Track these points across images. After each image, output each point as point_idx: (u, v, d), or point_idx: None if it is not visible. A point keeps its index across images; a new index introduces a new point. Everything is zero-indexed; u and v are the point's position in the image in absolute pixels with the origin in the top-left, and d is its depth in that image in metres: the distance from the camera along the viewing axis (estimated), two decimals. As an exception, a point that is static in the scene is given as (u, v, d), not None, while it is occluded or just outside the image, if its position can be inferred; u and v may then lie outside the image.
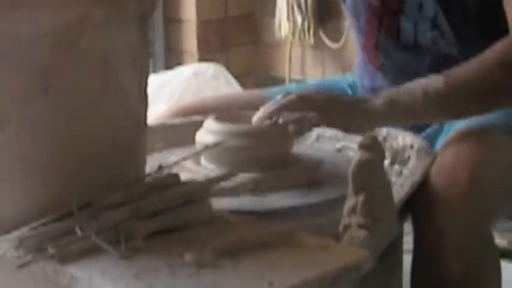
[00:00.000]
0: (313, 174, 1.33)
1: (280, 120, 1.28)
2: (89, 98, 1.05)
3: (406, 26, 1.51)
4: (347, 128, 1.39)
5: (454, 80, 1.33)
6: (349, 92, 1.65)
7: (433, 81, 1.33)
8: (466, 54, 1.37)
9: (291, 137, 1.33)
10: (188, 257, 0.97)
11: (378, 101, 1.34)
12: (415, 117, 1.36)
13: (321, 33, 2.88)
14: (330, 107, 1.34)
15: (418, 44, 1.50)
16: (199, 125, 1.36)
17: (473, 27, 1.46)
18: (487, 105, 1.34)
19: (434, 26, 1.48)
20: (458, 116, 1.36)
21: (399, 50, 1.52)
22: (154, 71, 2.84)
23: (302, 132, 1.35)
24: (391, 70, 1.54)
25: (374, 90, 1.53)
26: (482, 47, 1.34)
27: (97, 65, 1.05)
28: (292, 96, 1.33)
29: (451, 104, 1.34)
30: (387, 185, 1.14)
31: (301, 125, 1.32)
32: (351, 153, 1.38)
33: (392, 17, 1.52)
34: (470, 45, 1.41)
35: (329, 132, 1.47)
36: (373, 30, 1.55)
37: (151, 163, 1.19)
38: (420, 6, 1.48)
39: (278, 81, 2.69)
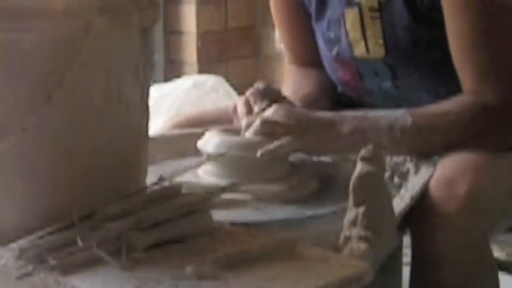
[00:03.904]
0: (313, 186, 1.33)
1: (259, 153, 1.28)
2: (91, 108, 1.05)
3: (372, 87, 1.54)
4: (316, 153, 1.41)
5: (421, 121, 1.35)
6: None
7: (401, 119, 1.34)
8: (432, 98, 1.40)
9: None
10: (189, 269, 0.96)
11: (345, 127, 1.35)
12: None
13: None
14: (303, 133, 1.34)
15: (389, 96, 1.51)
16: (199, 136, 1.35)
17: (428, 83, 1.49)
18: (449, 147, 1.34)
19: (396, 86, 1.50)
20: (419, 153, 1.36)
21: (378, 98, 1.54)
22: (154, 82, 2.84)
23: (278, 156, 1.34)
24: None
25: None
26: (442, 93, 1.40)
27: (99, 75, 1.04)
28: (263, 121, 1.33)
29: (415, 142, 1.35)
30: (387, 197, 1.13)
31: (279, 150, 1.31)
32: (349, 165, 1.37)
33: (358, 82, 1.55)
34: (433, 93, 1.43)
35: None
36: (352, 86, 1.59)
37: (153, 174, 1.18)
38: (376, 73, 1.50)
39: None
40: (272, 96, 1.40)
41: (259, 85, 1.42)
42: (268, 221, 1.19)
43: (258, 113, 1.36)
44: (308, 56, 1.63)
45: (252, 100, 1.39)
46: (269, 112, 1.35)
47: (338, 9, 1.50)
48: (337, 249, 1.06)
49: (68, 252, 0.99)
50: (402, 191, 1.28)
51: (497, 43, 1.36)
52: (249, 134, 1.34)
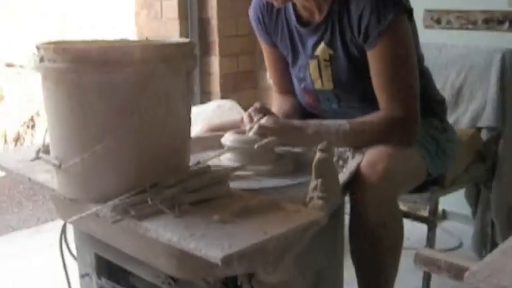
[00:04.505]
0: (291, 167, 1.32)
1: (256, 146, 1.27)
2: (156, 119, 1.04)
3: (326, 107, 1.52)
4: (291, 146, 1.40)
5: (355, 127, 1.34)
6: None
7: (343, 125, 1.34)
8: (362, 113, 1.38)
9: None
10: (216, 217, 0.96)
11: (309, 130, 1.34)
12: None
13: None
14: (283, 133, 1.33)
15: (336, 112, 1.50)
16: (221, 136, 1.35)
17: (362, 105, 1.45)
18: (374, 143, 1.32)
19: (340, 106, 1.49)
20: (354, 146, 1.34)
21: (330, 114, 1.51)
22: (194, 104, 2.82)
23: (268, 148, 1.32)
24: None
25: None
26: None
27: (161, 100, 1.03)
28: (259, 126, 1.33)
29: (352, 140, 1.34)
30: (335, 173, 1.13)
31: (268, 144, 1.29)
32: (312, 154, 1.36)
33: (317, 104, 1.53)
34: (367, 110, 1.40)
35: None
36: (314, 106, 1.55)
37: (193, 159, 1.17)
38: (328, 99, 1.49)
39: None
40: (265, 111, 1.40)
41: (256, 105, 1.42)
42: (263, 188, 1.18)
43: (256, 122, 1.36)
44: (287, 88, 1.62)
45: (252, 114, 1.39)
46: (263, 121, 1.35)
47: (305, 60, 1.50)
48: (305, 204, 1.06)
49: (142, 207, 0.99)
50: (344, 169, 1.27)
51: (401, 80, 1.36)
52: (251, 134, 1.33)
